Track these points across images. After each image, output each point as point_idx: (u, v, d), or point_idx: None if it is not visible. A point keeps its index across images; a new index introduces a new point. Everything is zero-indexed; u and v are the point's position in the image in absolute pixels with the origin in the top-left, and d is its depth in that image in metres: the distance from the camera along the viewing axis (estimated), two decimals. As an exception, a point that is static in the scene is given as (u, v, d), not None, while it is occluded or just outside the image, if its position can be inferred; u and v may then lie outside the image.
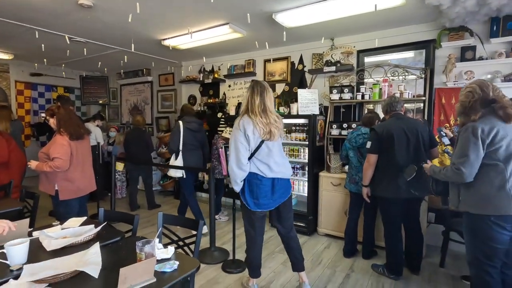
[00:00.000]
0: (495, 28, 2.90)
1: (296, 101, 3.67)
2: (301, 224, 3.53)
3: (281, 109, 3.98)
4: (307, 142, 3.55)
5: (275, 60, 4.42)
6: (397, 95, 3.07)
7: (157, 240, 1.46)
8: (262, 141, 2.07)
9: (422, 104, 3.25)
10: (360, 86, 3.56)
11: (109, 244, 1.64)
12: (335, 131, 3.65)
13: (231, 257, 2.87)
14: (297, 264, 2.29)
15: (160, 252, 1.43)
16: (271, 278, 2.60)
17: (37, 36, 3.68)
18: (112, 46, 4.31)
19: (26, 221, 1.75)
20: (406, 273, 2.64)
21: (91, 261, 1.29)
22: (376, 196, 2.58)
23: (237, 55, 4.79)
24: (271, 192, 2.11)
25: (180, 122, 3.54)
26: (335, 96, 3.63)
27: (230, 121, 4.15)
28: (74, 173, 2.53)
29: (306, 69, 4.16)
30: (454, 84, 3.11)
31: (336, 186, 3.37)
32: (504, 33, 2.86)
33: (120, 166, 4.89)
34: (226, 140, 3.60)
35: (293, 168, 3.71)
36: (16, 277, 1.21)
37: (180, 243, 1.83)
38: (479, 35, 3.01)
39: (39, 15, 3.15)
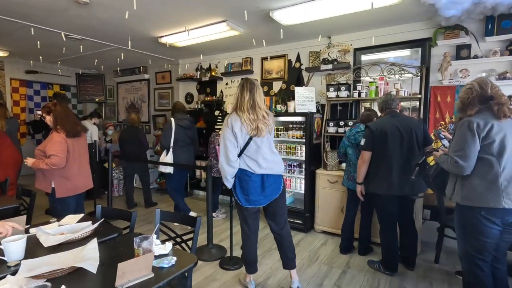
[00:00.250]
0: (490, 26, 2.92)
1: (293, 99, 3.68)
2: (298, 221, 3.55)
3: (278, 107, 3.99)
4: (304, 140, 3.56)
5: (272, 58, 4.43)
6: (393, 93, 3.08)
7: (154, 236, 1.46)
8: (251, 138, 2.09)
9: (418, 102, 3.27)
10: (357, 84, 3.58)
11: (106, 240, 1.64)
12: (331, 129, 3.67)
13: (228, 254, 2.88)
14: (287, 263, 2.30)
15: (158, 248, 1.44)
16: (268, 274, 2.62)
17: (32, 33, 3.65)
18: (109, 43, 4.28)
19: (23, 217, 1.75)
20: (402, 269, 2.67)
21: (88, 257, 1.29)
22: (369, 192, 2.60)
23: (234, 53, 4.78)
24: (261, 188, 2.13)
25: (172, 119, 3.66)
26: (332, 94, 3.65)
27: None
28: (70, 171, 2.52)
29: (303, 67, 4.17)
30: (450, 82, 3.14)
31: (332, 183, 3.39)
32: (499, 31, 2.89)
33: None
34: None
35: (290, 165, 3.73)
36: (14, 273, 1.21)
37: (178, 239, 1.83)
38: (474, 34, 3.03)
39: (35, 12, 3.13)
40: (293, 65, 4.27)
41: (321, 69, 3.83)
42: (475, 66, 3.07)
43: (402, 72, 3.32)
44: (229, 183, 2.16)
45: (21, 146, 4.84)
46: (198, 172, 5.21)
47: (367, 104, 3.67)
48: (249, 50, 4.62)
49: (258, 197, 2.14)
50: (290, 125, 3.72)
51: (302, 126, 3.61)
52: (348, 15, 3.04)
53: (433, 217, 3.20)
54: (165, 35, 3.90)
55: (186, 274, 1.57)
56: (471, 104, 1.76)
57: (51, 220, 1.84)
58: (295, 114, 3.66)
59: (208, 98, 5.05)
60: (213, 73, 4.91)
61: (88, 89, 6.59)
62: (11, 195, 2.92)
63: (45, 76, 6.12)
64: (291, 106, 3.74)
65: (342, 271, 2.70)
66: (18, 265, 1.27)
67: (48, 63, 5.95)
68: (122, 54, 4.75)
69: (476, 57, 3.05)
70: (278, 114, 3.83)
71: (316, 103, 3.78)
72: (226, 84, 4.98)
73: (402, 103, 3.36)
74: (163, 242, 1.54)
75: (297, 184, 3.74)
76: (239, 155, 2.11)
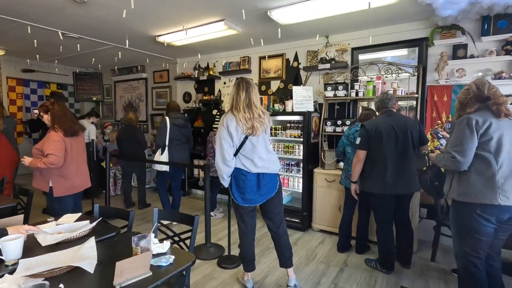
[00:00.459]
0: (486, 26, 2.95)
1: (291, 98, 3.69)
2: (296, 220, 3.57)
3: (276, 106, 4.00)
4: (301, 139, 3.57)
5: (270, 57, 4.43)
6: (391, 92, 3.10)
7: (152, 235, 1.47)
8: (246, 137, 2.10)
9: (415, 102, 3.29)
10: (354, 84, 3.59)
11: (104, 239, 1.64)
12: (329, 128, 3.68)
13: (226, 253, 2.89)
14: (284, 261, 2.31)
15: (156, 247, 1.45)
16: (266, 273, 2.63)
17: (29, 32, 3.63)
18: (106, 42, 4.27)
19: (20, 217, 1.75)
20: (398, 267, 2.69)
21: (86, 256, 1.29)
22: (364, 191, 2.62)
23: (232, 52, 4.78)
24: (257, 187, 2.14)
25: (167, 118, 3.72)
26: (330, 93, 3.66)
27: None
28: (68, 170, 2.52)
29: (301, 66, 4.18)
30: (446, 82, 3.16)
31: (330, 182, 3.40)
32: (495, 31, 2.91)
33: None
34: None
35: (287, 164, 3.74)
36: (11, 272, 1.21)
37: (176, 238, 1.84)
38: (471, 34, 3.05)
39: (32, 10, 3.11)
40: (291, 64, 4.28)
41: (319, 68, 3.84)
42: (472, 66, 3.09)
43: (399, 71, 3.34)
44: (225, 182, 2.18)
45: (18, 145, 4.82)
46: (196, 171, 5.21)
47: (365, 104, 3.68)
48: (247, 49, 4.62)
49: (254, 196, 2.15)
50: (288, 124, 3.73)
51: (300, 125, 3.61)
52: (345, 14, 3.05)
53: (429, 216, 3.23)
54: (163, 34, 3.89)
55: (184, 272, 1.58)
56: (469, 105, 1.81)
57: (48, 220, 1.84)
58: (293, 113, 3.67)
59: (206, 97, 5.04)
60: (211, 72, 4.91)
61: (85, 88, 6.55)
62: (7, 194, 2.91)
63: (42, 75, 6.09)
64: (289, 105, 3.75)
65: (339, 269, 2.72)
66: (15, 264, 1.27)
67: (45, 62, 5.92)
68: (119, 53, 4.74)
69: (472, 56, 3.07)
70: (276, 113, 3.84)
71: (314, 102, 3.80)
72: (224, 83, 4.98)
73: (399, 103, 3.39)
74: (161, 241, 1.54)
75: (295, 183, 3.75)
76: (235, 154, 2.12)
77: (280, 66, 4.37)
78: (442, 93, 3.18)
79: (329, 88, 3.67)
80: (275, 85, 4.44)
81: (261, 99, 3.99)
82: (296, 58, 4.23)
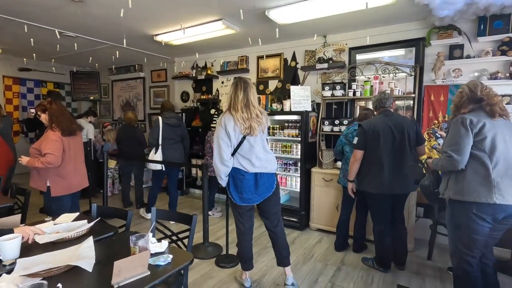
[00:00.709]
0: (482, 27, 2.97)
1: (289, 97, 3.69)
2: (294, 219, 3.58)
3: (274, 105, 4.00)
4: (299, 138, 3.58)
5: (268, 56, 4.43)
6: (388, 92, 3.12)
7: (150, 234, 1.47)
8: (244, 137, 2.10)
9: (412, 101, 3.31)
10: (352, 83, 3.61)
11: (102, 239, 1.64)
12: (327, 128, 3.69)
13: (224, 252, 2.90)
14: (282, 260, 2.32)
15: (154, 246, 1.45)
16: (264, 272, 2.64)
17: (26, 30, 3.60)
18: (104, 41, 4.25)
19: (17, 217, 1.74)
20: (395, 266, 2.71)
21: (84, 255, 1.29)
22: (361, 191, 2.63)
23: (230, 51, 4.78)
24: (255, 186, 2.15)
25: (160, 118, 3.76)
26: (327, 93, 3.68)
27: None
28: (66, 169, 2.51)
29: (298, 66, 4.19)
30: (443, 82, 3.18)
31: (328, 181, 3.42)
32: (491, 32, 2.94)
33: (112, 163, 4.85)
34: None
35: (285, 164, 3.75)
36: (9, 272, 1.21)
37: (174, 237, 1.84)
38: (467, 34, 3.07)
39: (29, 9, 3.09)
40: (288, 64, 4.28)
41: (316, 68, 3.85)
42: (468, 66, 3.12)
43: (397, 71, 3.35)
44: (223, 181, 2.19)
45: (14, 145, 4.79)
46: (194, 170, 5.21)
47: (362, 103, 3.70)
48: (245, 49, 4.62)
49: (252, 195, 2.16)
50: (286, 124, 3.74)
51: (298, 124, 3.62)
52: (343, 14, 3.06)
53: (426, 215, 3.25)
54: (161, 33, 3.88)
55: (182, 272, 1.59)
56: (463, 106, 1.85)
57: (46, 219, 1.83)
58: (290, 112, 3.67)
59: (204, 97, 5.04)
60: (209, 72, 4.90)
61: (82, 87, 6.53)
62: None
63: (39, 73, 6.06)
64: (286, 105, 3.76)
65: (336, 268, 2.73)
66: (13, 263, 1.27)
67: (42, 61, 5.89)
68: (117, 52, 4.72)
69: (468, 57, 3.10)
70: (273, 112, 3.84)
71: (312, 102, 3.81)
72: (222, 82, 4.98)
73: (396, 102, 3.41)
74: (159, 240, 1.55)
75: (292, 182, 3.77)
76: (232, 154, 2.13)
77: (278, 66, 4.37)
78: (439, 93, 3.20)
79: (326, 87, 3.68)
80: (273, 85, 4.45)
81: (259, 99, 4.01)
82: (294, 58, 4.23)
